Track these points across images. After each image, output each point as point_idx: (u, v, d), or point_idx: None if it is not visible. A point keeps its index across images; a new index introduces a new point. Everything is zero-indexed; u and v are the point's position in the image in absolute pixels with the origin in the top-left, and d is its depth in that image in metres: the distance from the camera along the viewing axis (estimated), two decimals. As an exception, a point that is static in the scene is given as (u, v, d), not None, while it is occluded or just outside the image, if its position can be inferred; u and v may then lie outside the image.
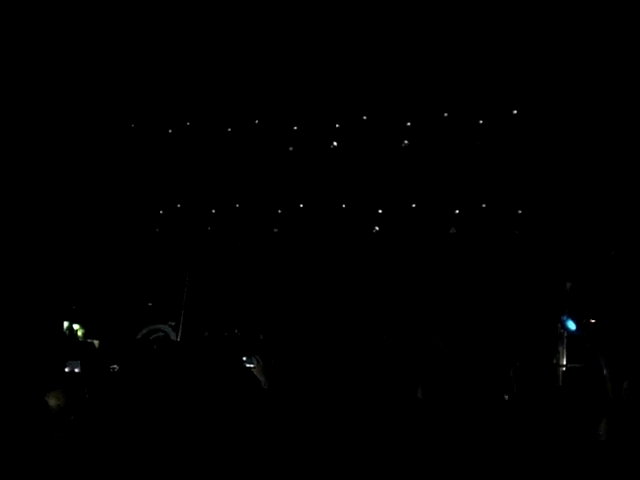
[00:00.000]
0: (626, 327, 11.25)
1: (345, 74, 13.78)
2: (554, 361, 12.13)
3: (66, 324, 13.09)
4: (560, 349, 12.33)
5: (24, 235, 13.48)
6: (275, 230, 14.42)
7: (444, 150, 13.73)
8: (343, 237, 14.01)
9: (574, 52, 12.57)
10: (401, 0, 13.20)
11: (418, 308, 13.15)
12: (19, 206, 13.54)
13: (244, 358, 8.31)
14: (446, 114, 13.79)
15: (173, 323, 14.07)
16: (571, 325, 12.01)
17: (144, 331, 14.15)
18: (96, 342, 12.37)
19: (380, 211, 14.05)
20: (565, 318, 12.09)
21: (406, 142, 13.98)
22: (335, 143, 14.29)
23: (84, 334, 13.23)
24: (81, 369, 7.73)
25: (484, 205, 13.59)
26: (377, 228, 14.07)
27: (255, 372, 4.75)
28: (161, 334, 14.07)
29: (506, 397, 4.74)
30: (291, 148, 14.43)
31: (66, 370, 7.70)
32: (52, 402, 4.62)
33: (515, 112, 13.45)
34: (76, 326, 13.25)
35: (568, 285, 12.40)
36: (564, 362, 12.20)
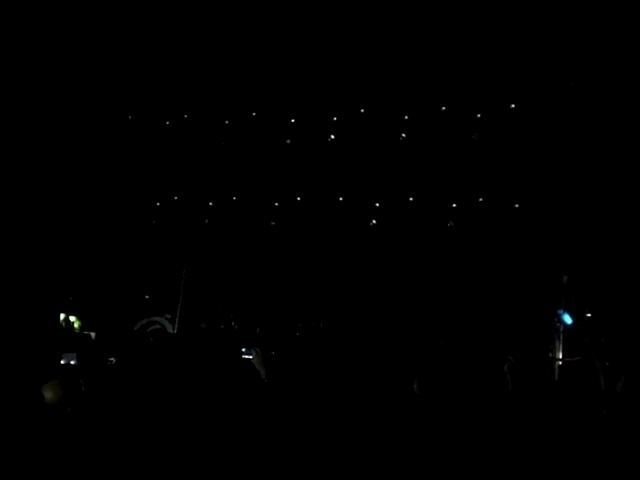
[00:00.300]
0: (623, 321, 11.27)
1: (343, 67, 13.75)
2: (550, 355, 12.15)
3: (62, 316, 13.08)
4: (557, 343, 12.34)
5: (21, 228, 13.47)
6: (272, 223, 14.40)
7: (441, 144, 13.71)
8: (340, 230, 14.00)
9: (571, 46, 12.56)
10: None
11: (415, 301, 13.15)
12: (15, 198, 13.52)
13: (243, 350, 8.32)
14: (444, 108, 13.78)
15: (170, 315, 14.07)
16: (568, 319, 12.03)
17: (141, 323, 14.15)
18: (93, 334, 12.37)
19: (377, 204, 14.04)
20: (562, 312, 12.10)
21: (404, 135, 13.96)
22: (333, 136, 14.27)
23: (81, 326, 13.22)
24: (77, 361, 7.72)
25: (481, 199, 13.58)
26: (374, 221, 14.06)
27: (254, 363, 4.75)
28: (158, 326, 14.08)
29: (502, 391, 4.74)
30: (288, 141, 14.41)
31: (62, 362, 7.69)
32: (49, 394, 4.61)
33: (513, 106, 13.43)
34: (73, 318, 13.24)
35: (565, 279, 12.42)
36: (560, 356, 12.22)
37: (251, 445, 3.70)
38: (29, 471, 3.83)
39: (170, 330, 13.80)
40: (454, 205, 13.68)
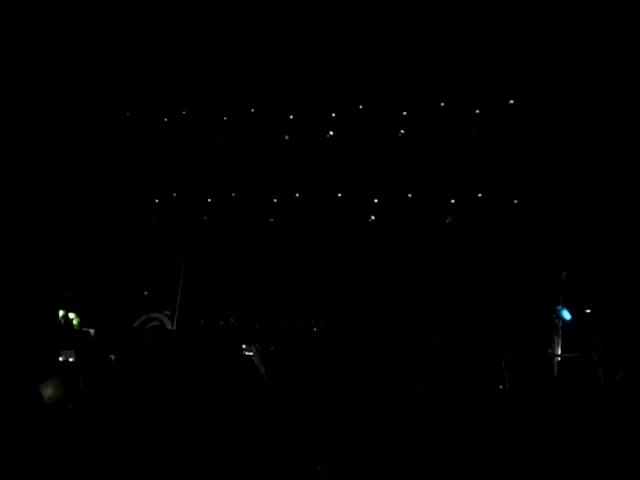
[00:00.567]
0: (621, 317, 11.28)
1: (342, 64, 13.74)
2: (549, 351, 12.15)
3: (61, 313, 13.08)
4: (555, 339, 12.34)
5: (20, 225, 13.46)
6: (271, 219, 14.40)
7: (440, 140, 13.71)
8: (339, 226, 14.00)
9: (569, 42, 12.55)
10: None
11: (413, 297, 13.15)
12: (15, 196, 13.52)
13: (243, 346, 8.33)
14: (442, 104, 13.77)
15: (169, 312, 14.08)
16: (566, 315, 12.03)
17: (140, 320, 14.15)
18: (92, 331, 12.36)
19: (376, 200, 14.03)
20: (560, 308, 12.10)
21: (402, 132, 13.95)
22: (331, 132, 14.27)
23: (80, 323, 13.22)
24: (76, 358, 7.72)
25: (480, 195, 13.58)
26: (373, 217, 14.06)
27: (255, 360, 4.75)
28: (157, 323, 14.08)
29: (500, 387, 4.74)
30: (287, 137, 14.41)
31: (60, 359, 7.69)
32: (49, 391, 4.61)
33: (511, 102, 13.43)
34: (72, 315, 13.24)
35: (563, 274, 12.42)
36: (559, 352, 12.22)
37: (251, 441, 3.70)
38: (27, 468, 3.84)
39: (169, 327, 13.80)
40: (453, 201, 13.68)
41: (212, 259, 14.28)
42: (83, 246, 14.20)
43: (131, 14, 13.69)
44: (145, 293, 14.51)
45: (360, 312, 13.14)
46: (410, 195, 13.87)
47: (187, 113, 14.74)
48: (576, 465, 3.69)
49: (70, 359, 7.68)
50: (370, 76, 13.84)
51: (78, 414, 4.47)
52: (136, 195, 14.71)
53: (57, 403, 4.59)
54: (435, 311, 12.63)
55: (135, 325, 13.95)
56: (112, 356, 7.46)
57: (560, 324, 12.23)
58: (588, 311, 12.15)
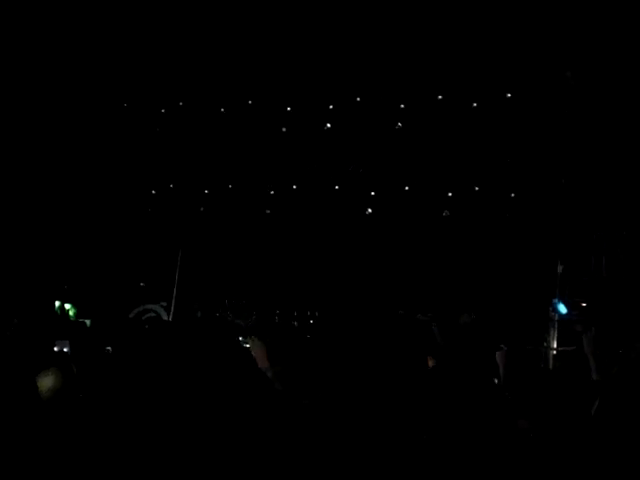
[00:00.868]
0: (618, 310, 11.29)
1: (339, 55, 13.71)
2: (545, 344, 12.18)
3: (57, 303, 13.08)
4: (551, 332, 12.36)
5: (16, 216, 13.44)
6: (268, 211, 14.39)
7: (437, 133, 13.71)
8: (336, 219, 14.01)
9: (567, 35, 12.53)
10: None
11: (410, 291, 13.16)
12: (10, 187, 13.49)
13: (240, 338, 8.31)
14: (440, 97, 13.76)
15: (165, 303, 14.08)
16: (562, 308, 12.05)
17: (136, 311, 14.16)
18: (87, 322, 12.37)
19: (373, 193, 14.03)
20: (556, 301, 12.12)
21: (400, 124, 13.94)
22: (329, 124, 14.25)
23: (76, 314, 13.22)
24: (70, 348, 7.72)
25: (477, 188, 13.59)
26: (370, 210, 14.06)
27: (252, 352, 4.74)
28: (153, 314, 14.09)
29: (495, 381, 4.74)
30: (284, 129, 14.39)
31: (55, 349, 7.68)
32: (47, 380, 4.59)
33: (509, 95, 13.42)
34: (68, 306, 13.24)
35: (560, 268, 12.43)
36: (555, 345, 12.25)
37: (252, 435, 3.69)
38: (24, 462, 3.83)
39: (165, 318, 13.81)
40: (450, 194, 13.69)
41: (209, 251, 14.28)
42: (79, 237, 14.19)
43: (129, 6, 13.65)
44: (141, 284, 14.51)
45: (356, 304, 13.15)
46: (407, 188, 13.87)
47: (184, 104, 14.71)
48: (568, 460, 3.69)
49: (65, 349, 7.68)
50: (367, 68, 13.82)
51: (73, 404, 4.46)
52: (133, 186, 14.69)
53: (54, 393, 4.58)
54: (431, 304, 12.64)
55: (131, 316, 13.95)
56: (109, 348, 7.45)
57: (556, 317, 12.25)
58: (584, 305, 12.17)
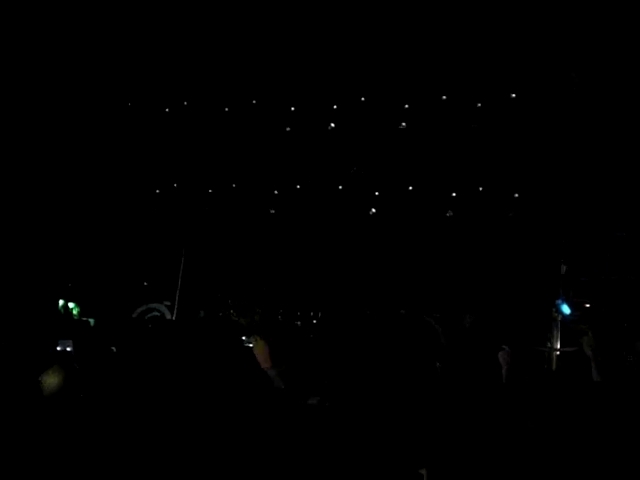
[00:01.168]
0: (621, 311, 11.28)
1: (343, 55, 13.71)
2: (548, 345, 12.16)
3: (61, 302, 13.09)
4: (554, 333, 12.35)
5: (19, 214, 13.46)
6: (272, 211, 14.40)
7: (441, 133, 13.70)
8: (339, 219, 14.00)
9: (573, 36, 12.52)
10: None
11: (413, 291, 13.15)
12: (13, 184, 13.51)
13: (243, 338, 8.31)
14: (444, 97, 13.75)
15: (169, 303, 14.09)
16: (566, 309, 12.04)
17: (139, 310, 14.16)
18: (91, 320, 12.38)
19: (377, 193, 14.03)
20: (560, 302, 12.11)
21: (404, 124, 13.94)
22: (332, 124, 14.25)
23: (79, 312, 13.23)
24: (73, 348, 7.73)
25: (481, 188, 13.58)
26: (374, 210, 14.06)
27: (254, 352, 4.75)
28: (156, 313, 14.09)
29: (497, 380, 4.74)
30: (288, 129, 14.39)
31: (58, 349, 7.69)
32: (50, 379, 4.60)
33: (513, 95, 13.41)
34: (71, 304, 13.25)
35: (563, 269, 12.42)
36: (558, 346, 12.23)
37: (252, 433, 3.70)
38: (26, 461, 3.84)
39: (169, 317, 13.81)
40: (453, 194, 13.68)
41: (212, 250, 14.28)
42: (83, 236, 14.20)
43: (134, 6, 13.66)
44: (145, 283, 14.51)
45: (360, 304, 13.14)
46: (411, 188, 13.87)
47: (188, 104, 14.72)
48: (569, 460, 3.69)
49: (68, 348, 7.69)
50: (372, 68, 13.81)
51: (77, 403, 4.47)
52: (137, 185, 14.70)
53: (57, 392, 4.59)
54: (435, 304, 12.63)
55: (134, 315, 13.96)
56: (113, 348, 7.46)
57: (559, 318, 12.24)
58: (588, 305, 12.16)
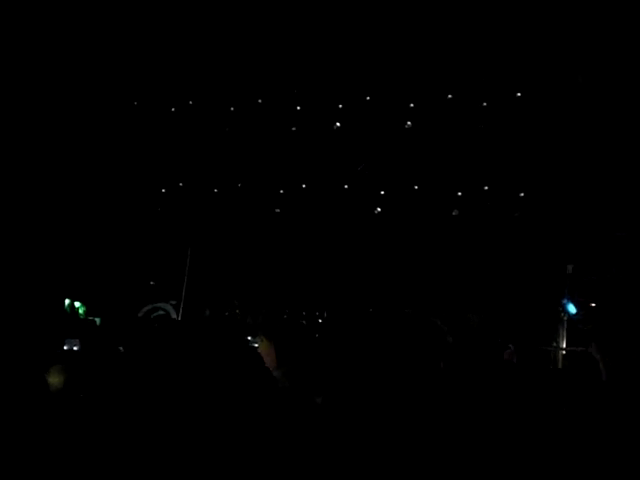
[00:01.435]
0: (627, 311, 11.26)
1: (349, 54, 13.71)
2: (554, 344, 12.16)
3: (67, 301, 13.11)
4: (560, 332, 12.35)
5: (26, 214, 13.49)
6: (277, 210, 14.40)
7: (447, 132, 13.69)
8: (345, 218, 14.00)
9: (577, 34, 12.51)
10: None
11: (419, 290, 13.15)
12: (19, 184, 13.54)
13: (249, 338, 8.32)
14: (450, 96, 13.75)
15: (174, 302, 14.10)
16: (572, 309, 12.03)
17: (145, 309, 14.18)
18: (97, 320, 12.40)
19: (382, 192, 14.03)
20: (566, 301, 12.10)
21: (409, 123, 13.93)
22: (338, 124, 14.25)
23: (85, 312, 13.25)
24: (80, 347, 7.74)
25: (486, 187, 13.57)
26: (379, 209, 14.06)
27: (260, 351, 4.75)
28: (162, 313, 14.11)
29: (503, 379, 4.74)
30: (294, 128, 14.40)
31: (65, 348, 7.70)
32: (51, 380, 4.61)
33: (519, 95, 13.40)
34: (77, 304, 13.27)
35: (569, 268, 12.41)
36: (564, 345, 12.23)
37: (260, 433, 3.69)
38: (30, 461, 3.84)
39: (174, 316, 13.83)
40: (459, 193, 13.67)
41: (218, 249, 14.29)
42: (89, 235, 14.22)
43: (141, 7, 13.68)
44: (151, 283, 14.54)
45: (365, 304, 13.15)
46: (416, 187, 13.86)
47: (194, 103, 14.73)
48: (574, 461, 3.68)
49: (75, 348, 7.70)
50: (377, 67, 13.81)
51: (82, 403, 4.48)
52: (143, 185, 14.72)
53: (59, 391, 4.60)
54: (441, 303, 12.62)
55: (140, 314, 13.98)
56: (121, 348, 7.47)
57: (565, 318, 12.23)
58: (593, 305, 12.14)
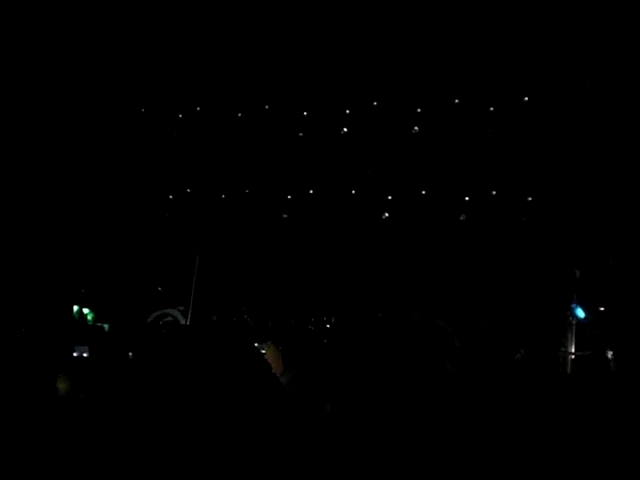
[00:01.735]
0: (635, 315, 11.23)
1: (356, 60, 13.73)
2: (563, 349, 12.11)
3: (76, 308, 13.14)
4: (569, 337, 12.30)
5: (35, 220, 13.53)
6: (284, 216, 14.41)
7: (454, 137, 13.68)
8: (352, 223, 14.00)
9: (584, 39, 12.50)
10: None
11: (427, 295, 13.13)
12: (29, 189, 13.59)
13: (256, 344, 8.32)
14: (457, 100, 13.74)
15: (182, 308, 14.10)
16: (580, 313, 11.99)
17: (154, 315, 14.18)
18: (106, 326, 12.42)
19: (390, 197, 14.02)
20: (574, 306, 12.06)
21: (416, 128, 13.93)
22: (345, 129, 14.26)
23: (94, 318, 13.28)
24: (89, 353, 7.75)
25: (494, 192, 13.55)
26: (387, 214, 14.05)
27: (267, 358, 4.76)
28: (170, 319, 14.10)
29: (513, 383, 4.74)
30: (301, 134, 14.41)
31: (74, 355, 7.71)
32: (60, 385, 4.64)
33: (526, 99, 13.38)
34: (86, 310, 13.29)
35: (577, 273, 12.37)
36: (573, 350, 12.18)
37: (265, 438, 3.70)
38: (34, 463, 3.86)
39: (182, 322, 13.82)
40: (467, 198, 13.66)
41: (226, 255, 14.30)
42: (98, 241, 14.25)
43: (149, 12, 13.73)
44: (159, 289, 14.55)
45: (373, 308, 13.14)
46: (424, 192, 13.85)
47: (202, 109, 14.76)
48: (585, 463, 3.68)
49: (84, 354, 7.71)
50: (384, 73, 13.82)
51: (90, 408, 4.49)
52: (150, 191, 14.75)
53: (66, 397, 4.63)
54: (449, 308, 12.60)
55: (149, 320, 13.98)
56: (130, 353, 7.48)
57: (574, 322, 12.19)
58: (602, 309, 12.11)
